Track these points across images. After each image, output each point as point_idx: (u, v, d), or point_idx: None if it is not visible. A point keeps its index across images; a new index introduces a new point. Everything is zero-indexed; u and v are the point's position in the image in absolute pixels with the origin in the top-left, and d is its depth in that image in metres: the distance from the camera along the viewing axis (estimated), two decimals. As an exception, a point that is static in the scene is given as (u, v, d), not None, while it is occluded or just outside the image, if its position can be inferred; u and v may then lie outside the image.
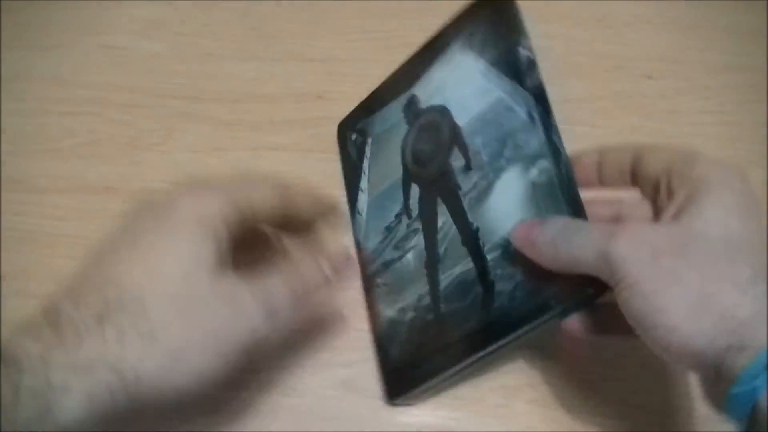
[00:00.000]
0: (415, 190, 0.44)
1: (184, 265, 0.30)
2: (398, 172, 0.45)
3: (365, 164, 0.48)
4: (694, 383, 0.42)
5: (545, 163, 0.38)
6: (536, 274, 0.36)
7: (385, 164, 0.46)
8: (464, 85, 0.42)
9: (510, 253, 0.38)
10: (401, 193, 0.45)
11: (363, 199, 0.47)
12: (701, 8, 0.56)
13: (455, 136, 0.42)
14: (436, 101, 0.44)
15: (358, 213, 0.47)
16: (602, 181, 0.39)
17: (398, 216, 0.44)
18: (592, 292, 0.34)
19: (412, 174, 0.44)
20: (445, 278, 0.41)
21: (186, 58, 0.55)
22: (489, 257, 0.39)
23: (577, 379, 0.43)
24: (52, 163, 0.51)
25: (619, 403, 0.43)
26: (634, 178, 0.37)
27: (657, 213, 0.36)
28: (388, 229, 0.45)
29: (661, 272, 0.30)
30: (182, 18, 0.58)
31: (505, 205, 0.39)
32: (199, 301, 0.30)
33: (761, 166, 0.48)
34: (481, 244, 0.39)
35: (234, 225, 0.33)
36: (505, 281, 0.38)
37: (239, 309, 0.31)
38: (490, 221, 0.40)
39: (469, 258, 0.40)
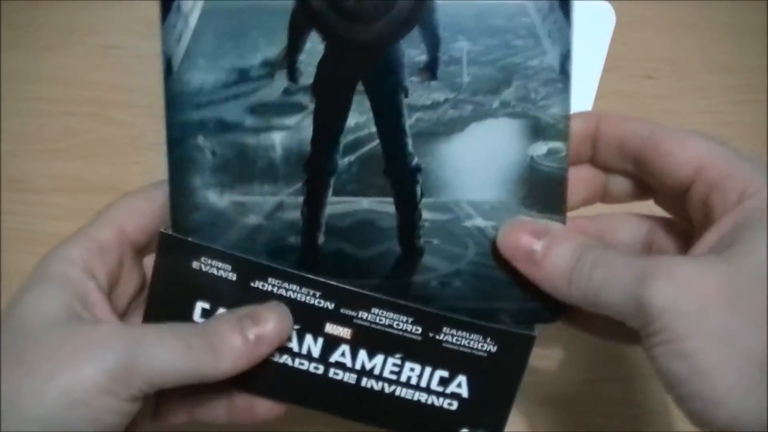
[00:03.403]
0: (315, 45, 0.33)
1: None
2: None
3: None
4: None
5: (560, 146, 0.33)
6: (493, 273, 0.33)
7: None
8: None
9: (461, 229, 0.34)
10: (283, 33, 0.32)
11: None
12: (701, 8, 0.58)
13: (425, 14, 0.32)
14: None
15: (179, 12, 0.33)
16: (595, 160, 0.34)
17: (268, 65, 0.33)
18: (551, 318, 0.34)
19: (317, 16, 0.32)
20: (338, 204, 0.34)
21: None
22: (426, 215, 0.33)
23: (577, 379, 0.46)
24: (52, 163, 0.54)
25: (619, 403, 0.46)
26: (641, 167, 0.32)
27: (679, 230, 0.33)
28: (242, 74, 0.33)
29: (710, 329, 0.26)
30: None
31: (479, 165, 0.33)
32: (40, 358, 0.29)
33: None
34: (418, 191, 0.33)
35: (107, 261, 0.33)
36: (441, 259, 0.33)
37: (86, 354, 0.29)
38: (442, 170, 0.33)
39: (392, 198, 0.33)
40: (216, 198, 0.34)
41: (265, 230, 0.34)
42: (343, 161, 0.34)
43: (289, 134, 0.33)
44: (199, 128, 0.33)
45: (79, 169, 0.54)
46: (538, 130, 0.33)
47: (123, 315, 0.35)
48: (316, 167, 0.34)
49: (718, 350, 0.25)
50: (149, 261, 0.35)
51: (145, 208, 0.34)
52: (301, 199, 0.34)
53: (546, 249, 0.31)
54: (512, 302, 0.34)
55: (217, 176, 0.34)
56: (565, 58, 0.32)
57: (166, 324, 0.31)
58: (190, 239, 0.33)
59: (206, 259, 0.33)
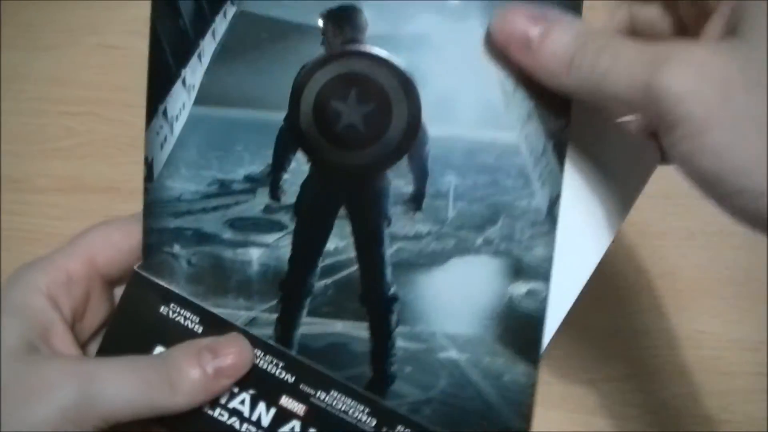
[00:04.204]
0: (300, 165, 0.33)
1: None
2: (273, 111, 0.32)
3: (207, 41, 0.32)
4: (693, 383, 0.47)
5: (541, 287, 0.33)
6: (463, 403, 0.33)
7: (252, 74, 0.32)
8: (465, 76, 0.31)
9: (434, 360, 0.33)
10: (268, 150, 0.32)
11: (181, 101, 0.32)
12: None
13: (415, 146, 0.32)
14: (403, 57, 0.31)
15: (165, 117, 0.33)
16: None
17: (251, 180, 0.33)
18: None
19: (305, 137, 0.32)
20: (312, 325, 0.34)
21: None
22: (400, 344, 0.33)
23: (577, 379, 0.47)
24: (51, 163, 0.56)
25: (619, 403, 0.47)
26: None
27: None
28: (224, 187, 0.33)
29: (736, 116, 0.24)
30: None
31: (457, 299, 0.33)
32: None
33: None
34: (393, 320, 0.33)
35: (73, 293, 0.33)
36: (412, 386, 0.33)
37: (38, 394, 0.29)
38: (419, 300, 0.33)
39: (366, 324, 0.33)
40: (189, 308, 0.34)
41: (236, 344, 0.34)
42: (320, 284, 0.33)
43: (267, 251, 0.33)
44: (176, 237, 0.33)
45: (78, 169, 0.55)
46: (519, 270, 0.33)
47: (86, 343, 0.35)
48: (292, 287, 0.34)
49: (749, 140, 0.23)
50: (120, 291, 0.34)
51: (121, 243, 0.34)
52: (274, 316, 0.34)
53: (545, 33, 0.28)
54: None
55: (191, 286, 0.34)
56: (554, 202, 0.32)
57: (122, 358, 0.31)
58: (163, 283, 0.33)
59: (175, 306, 0.33)
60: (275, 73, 0.32)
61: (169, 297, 0.33)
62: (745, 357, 0.48)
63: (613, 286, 0.51)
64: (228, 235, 0.33)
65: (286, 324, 0.34)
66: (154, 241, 0.33)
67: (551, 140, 0.31)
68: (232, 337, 0.32)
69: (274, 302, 0.34)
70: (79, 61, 0.58)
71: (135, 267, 0.33)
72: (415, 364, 0.34)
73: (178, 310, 0.33)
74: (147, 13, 0.59)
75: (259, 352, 0.33)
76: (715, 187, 0.25)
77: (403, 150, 0.32)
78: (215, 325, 0.33)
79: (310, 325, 0.34)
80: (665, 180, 0.55)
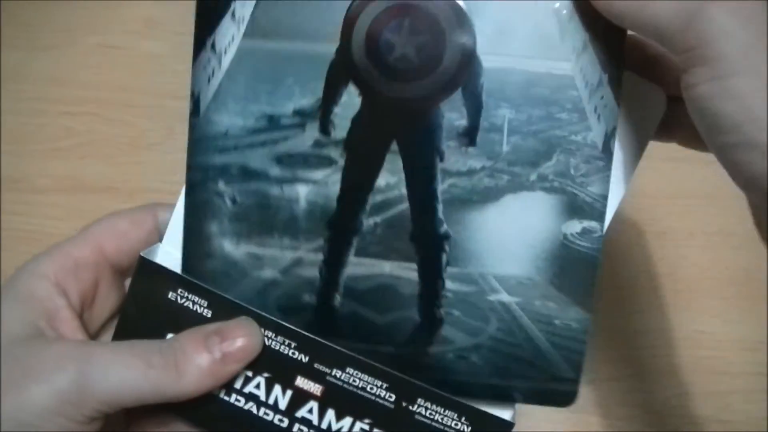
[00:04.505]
0: (352, 99, 0.32)
1: None
2: (324, 43, 0.31)
3: None
4: (693, 383, 0.47)
5: (596, 226, 0.32)
6: (512, 350, 0.33)
7: (304, 5, 0.31)
8: (519, 5, 0.31)
9: (484, 303, 0.33)
10: (319, 83, 0.32)
11: (230, 34, 0.32)
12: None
13: (470, 78, 0.32)
14: None
15: (213, 50, 0.32)
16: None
17: (301, 114, 0.32)
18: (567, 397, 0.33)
19: (357, 70, 0.31)
20: (359, 265, 0.33)
21: (185, 57, 0.60)
22: (449, 285, 0.32)
23: None
24: (51, 163, 0.55)
25: (620, 403, 0.47)
26: None
27: None
28: (272, 122, 0.32)
29: None
30: (181, 17, 0.60)
31: (510, 239, 0.32)
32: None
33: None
34: (444, 259, 0.32)
35: (81, 279, 0.32)
36: (460, 331, 0.32)
37: (36, 376, 0.28)
38: (471, 239, 0.32)
39: (415, 264, 0.32)
40: (231, 247, 0.33)
41: (280, 286, 0.33)
42: (369, 221, 0.33)
43: (315, 188, 0.32)
44: (221, 173, 0.33)
45: (78, 169, 0.55)
46: (574, 208, 0.32)
47: (97, 333, 0.34)
48: (340, 225, 0.33)
49: None
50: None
51: (128, 231, 0.34)
52: (320, 256, 0.33)
53: None
54: (528, 382, 0.33)
55: (235, 225, 0.33)
56: (610, 137, 0.32)
57: (126, 342, 0.30)
58: (169, 268, 0.32)
59: (183, 291, 0.32)
60: (327, 5, 0.31)
61: (175, 282, 0.32)
62: (745, 357, 0.49)
63: (613, 286, 0.51)
64: (275, 171, 0.33)
65: (333, 264, 0.33)
66: (198, 178, 0.32)
67: (606, 72, 0.31)
68: (240, 321, 0.31)
69: (320, 242, 0.33)
70: (78, 61, 0.58)
71: (140, 253, 0.32)
72: (464, 308, 0.33)
73: (186, 294, 0.32)
74: (147, 13, 0.60)
75: (270, 333, 0.32)
76: (725, 135, 0.25)
77: (457, 82, 0.32)
78: (224, 309, 0.32)
79: (357, 266, 0.33)
80: (665, 180, 0.57)
